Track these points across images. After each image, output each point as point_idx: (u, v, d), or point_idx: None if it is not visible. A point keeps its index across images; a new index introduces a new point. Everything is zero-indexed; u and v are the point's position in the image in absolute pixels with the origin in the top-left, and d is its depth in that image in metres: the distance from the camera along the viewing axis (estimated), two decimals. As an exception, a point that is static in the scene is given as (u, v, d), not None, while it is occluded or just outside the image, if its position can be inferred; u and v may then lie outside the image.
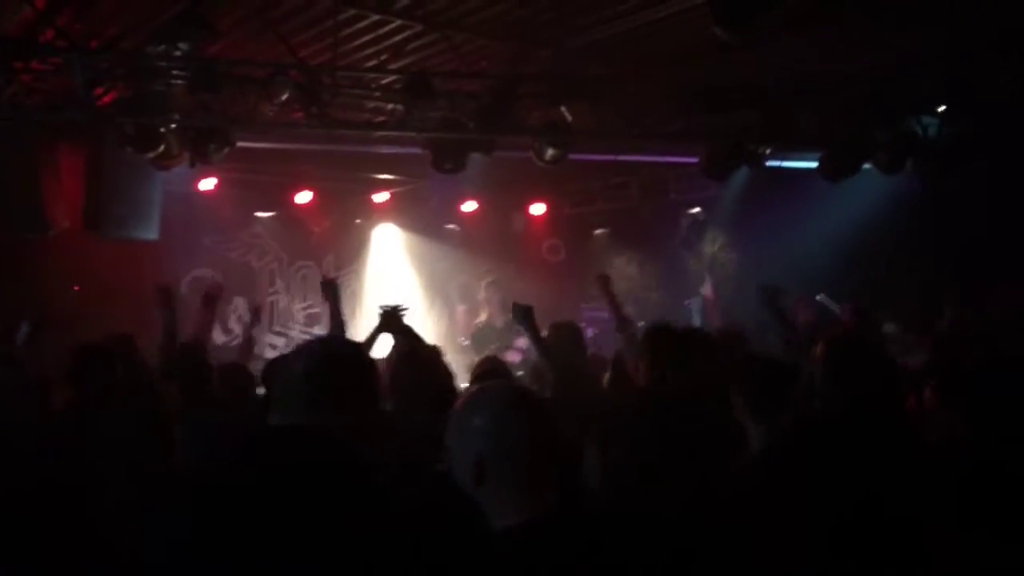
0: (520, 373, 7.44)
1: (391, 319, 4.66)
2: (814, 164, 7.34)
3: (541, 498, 1.85)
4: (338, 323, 4.48)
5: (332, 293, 4.62)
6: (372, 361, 2.07)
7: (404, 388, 3.85)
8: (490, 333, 9.26)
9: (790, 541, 2.39)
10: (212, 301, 5.29)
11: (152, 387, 3.00)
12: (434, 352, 4.72)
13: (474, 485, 1.83)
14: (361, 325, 10.69)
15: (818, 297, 6.63)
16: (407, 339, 4.63)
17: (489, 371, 4.21)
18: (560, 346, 4.50)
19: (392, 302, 4.83)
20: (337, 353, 2.01)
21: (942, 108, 7.05)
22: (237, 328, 10.08)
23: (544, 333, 4.54)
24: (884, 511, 2.56)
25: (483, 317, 9.73)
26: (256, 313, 6.84)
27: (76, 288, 8.24)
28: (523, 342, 9.24)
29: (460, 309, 10.95)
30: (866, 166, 7.24)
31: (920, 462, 2.81)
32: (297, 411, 1.89)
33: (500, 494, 1.83)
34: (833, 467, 2.65)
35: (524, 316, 4.44)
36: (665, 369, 3.70)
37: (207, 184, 8.99)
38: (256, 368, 4.87)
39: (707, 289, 9.36)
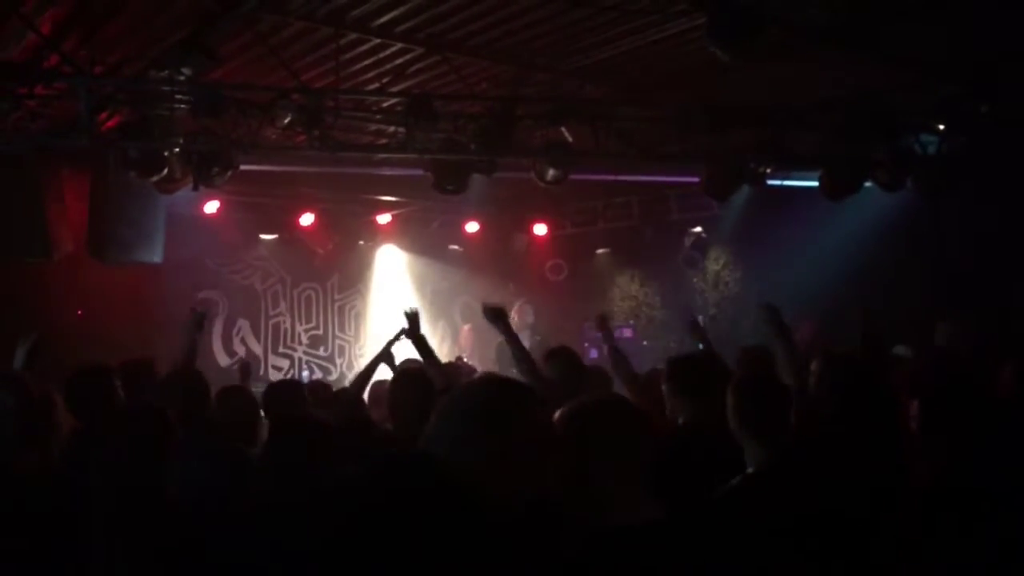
0: None
1: (414, 323, 4.66)
2: (816, 182, 7.36)
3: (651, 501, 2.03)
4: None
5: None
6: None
7: (404, 405, 3.85)
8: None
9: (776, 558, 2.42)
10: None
11: (156, 411, 2.98)
12: (444, 367, 4.71)
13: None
14: (367, 346, 10.83)
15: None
16: (419, 348, 4.59)
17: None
18: (561, 373, 4.26)
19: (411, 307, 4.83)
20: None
21: (941, 126, 7.06)
22: (241, 350, 10.12)
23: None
24: (863, 536, 2.61)
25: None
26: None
27: (80, 312, 8.25)
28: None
29: (464, 329, 10.95)
30: (868, 184, 7.25)
31: (901, 488, 2.85)
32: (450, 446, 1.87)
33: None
34: (820, 492, 2.70)
35: (496, 316, 4.41)
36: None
37: (211, 207, 9.03)
38: (257, 390, 4.88)
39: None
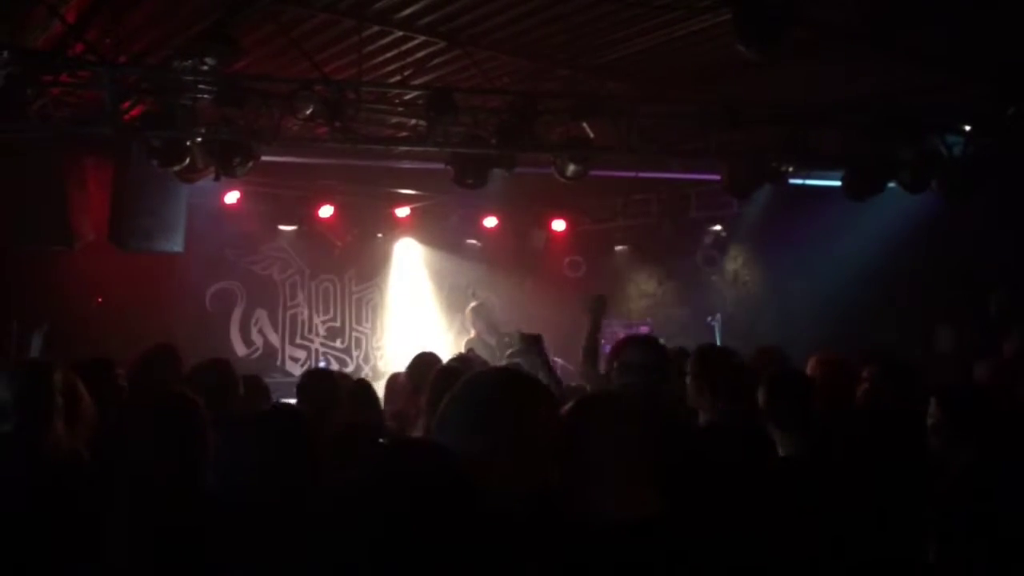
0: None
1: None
2: (837, 182, 7.30)
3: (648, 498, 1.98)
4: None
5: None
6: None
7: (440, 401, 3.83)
8: (482, 349, 9.15)
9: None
10: None
11: (184, 399, 2.98)
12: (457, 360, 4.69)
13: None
14: (383, 339, 10.86)
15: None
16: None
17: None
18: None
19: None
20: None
21: (967, 127, 6.98)
22: (258, 341, 10.17)
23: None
24: (877, 531, 2.63)
25: (472, 335, 9.63)
26: None
27: (99, 300, 8.32)
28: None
29: (480, 325, 10.91)
30: (890, 184, 7.18)
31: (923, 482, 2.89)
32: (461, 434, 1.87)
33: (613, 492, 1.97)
34: (848, 480, 2.72)
35: (532, 344, 4.43)
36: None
37: (231, 198, 9.08)
38: (274, 380, 4.91)
39: None
